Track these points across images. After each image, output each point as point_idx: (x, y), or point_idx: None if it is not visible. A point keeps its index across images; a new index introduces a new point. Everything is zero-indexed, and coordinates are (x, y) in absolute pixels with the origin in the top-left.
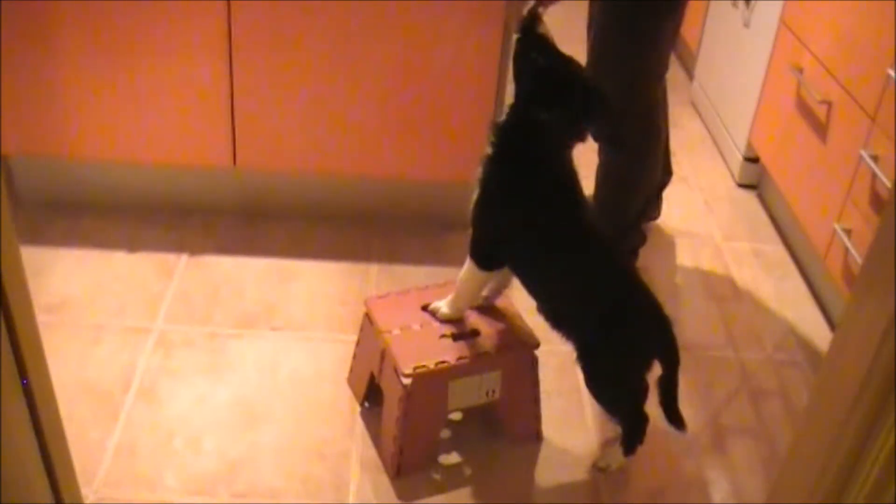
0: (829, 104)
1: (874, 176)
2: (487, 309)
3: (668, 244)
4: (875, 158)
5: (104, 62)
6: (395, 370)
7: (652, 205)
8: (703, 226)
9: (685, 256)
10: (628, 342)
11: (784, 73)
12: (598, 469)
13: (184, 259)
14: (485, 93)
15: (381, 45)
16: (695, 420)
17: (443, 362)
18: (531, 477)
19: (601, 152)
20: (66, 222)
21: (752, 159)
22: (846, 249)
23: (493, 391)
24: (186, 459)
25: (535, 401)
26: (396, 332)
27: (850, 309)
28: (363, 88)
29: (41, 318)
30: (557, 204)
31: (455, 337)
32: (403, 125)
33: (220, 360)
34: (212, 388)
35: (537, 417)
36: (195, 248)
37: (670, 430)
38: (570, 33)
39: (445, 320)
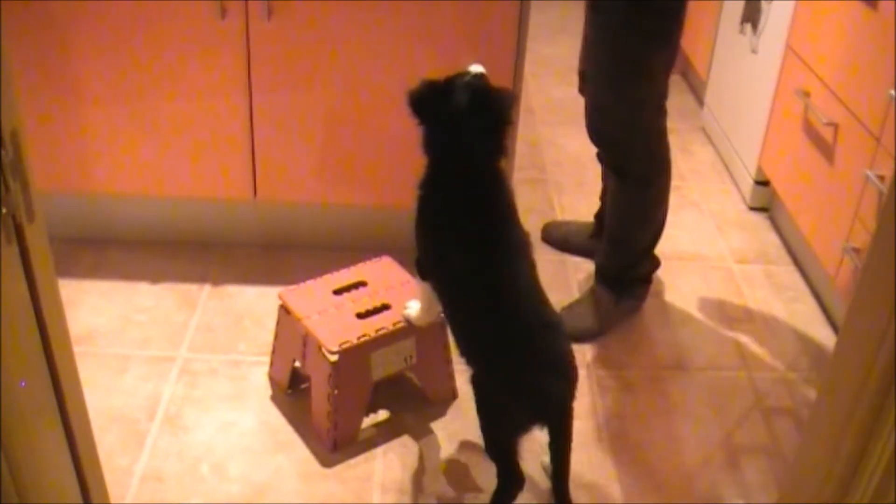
0: (836, 126)
1: (880, 195)
2: (395, 283)
3: (681, 268)
4: (881, 178)
5: (128, 100)
6: (321, 350)
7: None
8: (715, 249)
9: (698, 279)
10: (504, 391)
11: (791, 97)
12: None
13: (206, 290)
14: None
15: (397, 77)
16: (709, 439)
17: (363, 335)
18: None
19: (608, 178)
20: (93, 256)
21: (762, 182)
22: (855, 268)
23: (411, 357)
24: (212, 485)
25: (448, 361)
26: (315, 316)
27: (849, 317)
28: (381, 121)
29: None
30: (467, 231)
31: (369, 313)
32: (421, 156)
33: (243, 387)
34: (236, 415)
35: (451, 376)
36: (217, 279)
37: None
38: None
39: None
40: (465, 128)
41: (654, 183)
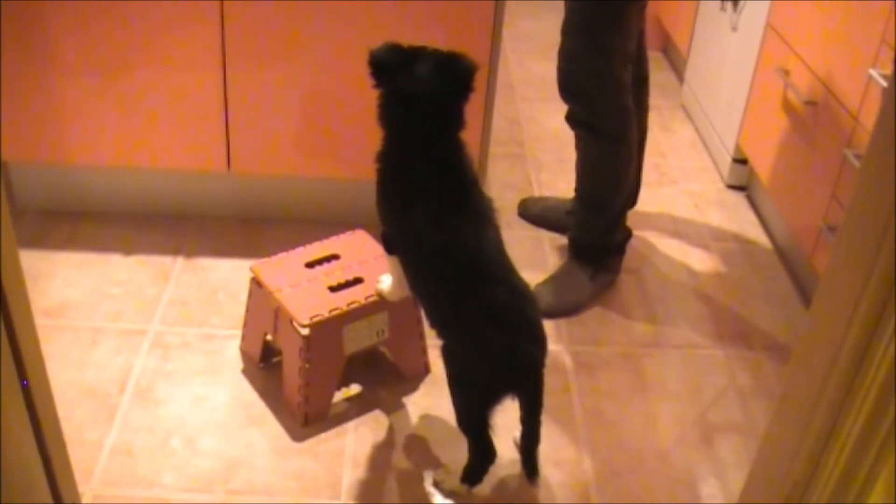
0: (815, 105)
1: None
2: (368, 256)
3: (659, 245)
4: (858, 157)
5: (101, 71)
6: (292, 323)
7: (634, 195)
8: (693, 227)
9: (675, 257)
10: (476, 358)
11: (771, 75)
12: (434, 483)
13: (180, 262)
14: (475, 98)
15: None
16: (684, 417)
17: (335, 309)
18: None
19: (578, 143)
20: (65, 228)
21: (740, 161)
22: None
23: (383, 331)
24: (183, 459)
25: (421, 336)
26: (287, 289)
27: (819, 295)
28: (356, 93)
29: (41, 321)
30: (428, 202)
31: (341, 287)
32: None
33: (216, 361)
34: (208, 389)
35: (424, 351)
36: (191, 252)
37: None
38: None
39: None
40: (424, 96)
41: (626, 138)
